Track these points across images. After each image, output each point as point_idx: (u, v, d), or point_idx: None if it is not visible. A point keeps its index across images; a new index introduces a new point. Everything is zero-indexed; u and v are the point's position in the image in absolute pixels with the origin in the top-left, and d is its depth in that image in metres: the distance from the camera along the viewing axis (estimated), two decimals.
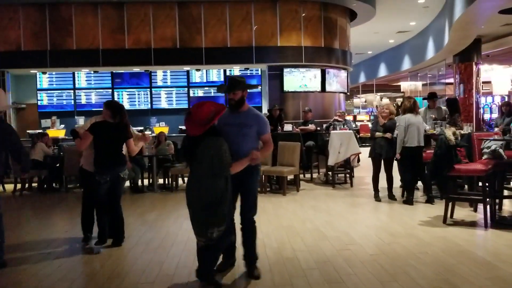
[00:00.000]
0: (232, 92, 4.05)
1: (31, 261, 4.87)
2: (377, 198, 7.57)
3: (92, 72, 12.33)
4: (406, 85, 24.89)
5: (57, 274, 4.42)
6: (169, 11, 11.12)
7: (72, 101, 12.63)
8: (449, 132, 6.08)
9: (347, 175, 9.38)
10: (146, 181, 9.65)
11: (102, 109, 5.27)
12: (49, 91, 12.58)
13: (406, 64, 18.90)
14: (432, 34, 15.19)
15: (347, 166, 9.25)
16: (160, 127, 11.41)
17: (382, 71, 21.89)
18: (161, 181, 9.85)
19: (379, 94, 29.47)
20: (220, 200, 3.77)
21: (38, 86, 12.47)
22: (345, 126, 9.75)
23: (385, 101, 28.70)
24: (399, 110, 7.88)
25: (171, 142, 9.83)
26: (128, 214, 7.29)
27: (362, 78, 25.03)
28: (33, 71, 11.90)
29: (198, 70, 12.31)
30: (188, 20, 11.15)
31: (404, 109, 7.24)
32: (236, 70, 12.45)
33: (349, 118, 19.97)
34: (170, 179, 9.40)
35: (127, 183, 9.64)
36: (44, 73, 12.19)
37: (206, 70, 12.52)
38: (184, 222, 6.44)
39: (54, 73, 12.40)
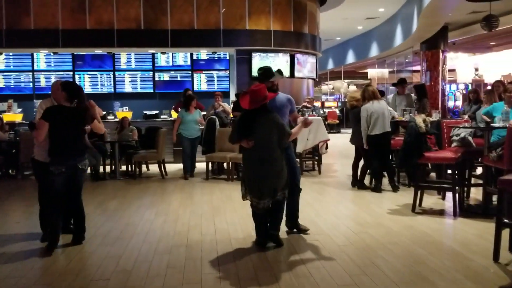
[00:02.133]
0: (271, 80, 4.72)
1: None
2: (353, 185, 7.51)
3: (51, 53, 11.69)
4: (373, 72, 25.05)
5: (3, 270, 4.08)
6: None
7: (31, 84, 12.00)
8: (419, 119, 5.99)
9: (315, 162, 9.25)
10: (108, 168, 9.26)
11: None
12: (5, 73, 11.90)
13: (374, 51, 18.92)
14: (400, 21, 15.18)
15: (315, 153, 9.12)
16: (124, 112, 10.97)
17: (350, 58, 21.88)
18: (124, 168, 9.48)
19: (346, 81, 29.58)
20: (284, 166, 4.52)
21: None
22: (314, 112, 9.60)
23: (352, 88, 28.84)
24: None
25: (135, 127, 9.45)
26: (87, 203, 6.83)
27: (330, 65, 24.99)
28: None
29: (163, 53, 11.85)
30: (153, 0, 10.67)
31: (364, 98, 7.15)
32: (203, 53, 12.08)
33: (317, 104, 19.96)
34: (133, 166, 9.02)
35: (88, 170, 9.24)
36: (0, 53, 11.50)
37: (172, 54, 12.09)
38: (146, 211, 6.16)
39: (11, 54, 11.72)
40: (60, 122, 4.58)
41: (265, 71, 4.80)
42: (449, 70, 20.39)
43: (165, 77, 12.30)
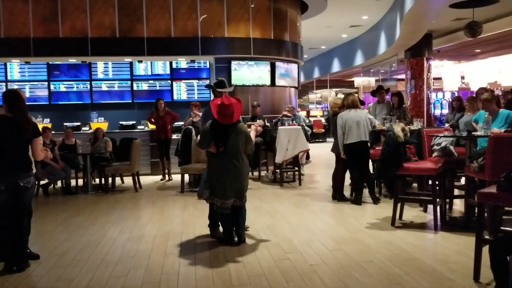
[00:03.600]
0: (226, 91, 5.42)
1: None
2: (333, 197, 7.22)
3: (25, 63, 11.29)
4: (359, 81, 24.89)
5: None
6: None
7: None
8: (397, 128, 5.72)
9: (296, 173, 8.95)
10: (81, 181, 8.87)
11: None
12: None
13: (359, 60, 18.74)
14: (384, 28, 15.01)
15: (296, 163, 8.82)
16: (98, 123, 10.59)
17: (336, 67, 21.70)
18: (98, 181, 9.09)
19: (334, 89, 29.41)
20: (247, 171, 5.14)
21: None
22: (294, 121, 9.31)
23: (340, 96, 28.64)
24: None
25: (109, 139, 9.07)
26: (50, 219, 6.61)
27: (316, 73, 24.80)
28: None
29: (140, 61, 11.51)
30: (128, 7, 10.33)
31: (343, 105, 6.91)
32: (183, 62, 11.76)
33: (302, 113, 19.70)
34: (105, 179, 8.63)
35: (59, 184, 8.85)
36: None
37: (151, 62, 11.75)
38: (110, 228, 5.80)
39: None
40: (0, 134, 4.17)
41: (221, 83, 5.52)
42: (435, 78, 20.26)
43: (144, 86, 11.93)
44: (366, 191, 7.07)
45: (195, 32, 10.54)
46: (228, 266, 4.35)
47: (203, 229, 5.59)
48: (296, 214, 6.42)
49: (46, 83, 11.60)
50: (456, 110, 8.65)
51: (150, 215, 6.63)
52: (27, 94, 11.56)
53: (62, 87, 11.69)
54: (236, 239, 5.02)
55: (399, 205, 5.76)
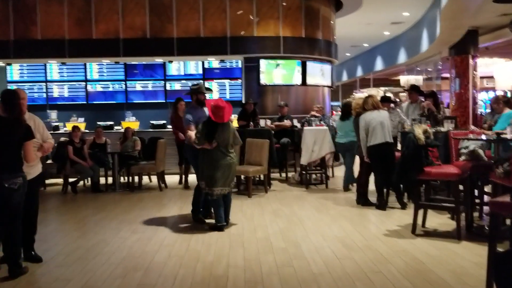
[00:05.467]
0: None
1: None
2: (357, 202, 6.94)
3: (61, 63, 11.67)
4: (405, 79, 24.01)
5: None
6: None
7: (44, 94, 12.01)
8: (418, 130, 5.37)
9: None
10: (111, 180, 9.01)
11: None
12: (20, 84, 11.95)
13: (402, 57, 18.09)
14: (426, 25, 14.38)
15: (323, 165, 8.56)
16: (129, 122, 10.76)
17: (379, 65, 21.08)
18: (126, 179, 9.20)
19: (382, 88, 28.53)
20: (235, 162, 5.86)
21: (8, 79, 11.86)
22: (322, 122, 9.05)
23: (389, 95, 27.71)
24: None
25: (138, 138, 9.17)
26: (70, 217, 6.76)
27: (359, 72, 24.21)
28: None
29: (170, 62, 11.62)
30: (159, 8, 10.45)
31: (364, 109, 6.59)
32: (215, 62, 11.75)
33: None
34: (132, 177, 8.73)
35: (88, 181, 9.02)
36: (9, 64, 11.56)
37: (184, 62, 11.83)
38: (124, 228, 5.82)
39: (25, 64, 11.78)
40: None
41: (200, 87, 6.13)
42: (487, 77, 19.22)
43: (177, 86, 12.03)
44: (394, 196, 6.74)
45: (224, 32, 10.50)
46: (228, 270, 4.22)
47: (216, 232, 5.50)
48: (313, 218, 6.20)
49: (84, 83, 11.93)
50: (496, 111, 8.08)
51: (167, 215, 6.61)
52: (66, 94, 11.97)
53: (99, 87, 11.99)
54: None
55: (421, 211, 5.43)
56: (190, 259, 4.56)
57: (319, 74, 11.40)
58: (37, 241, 4.69)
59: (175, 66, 11.93)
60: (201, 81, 10.05)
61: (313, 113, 9.40)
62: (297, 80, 10.95)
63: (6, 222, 4.10)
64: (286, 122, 9.32)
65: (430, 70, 19.25)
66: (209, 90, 6.44)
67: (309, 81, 11.06)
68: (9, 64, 11.58)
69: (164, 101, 12.02)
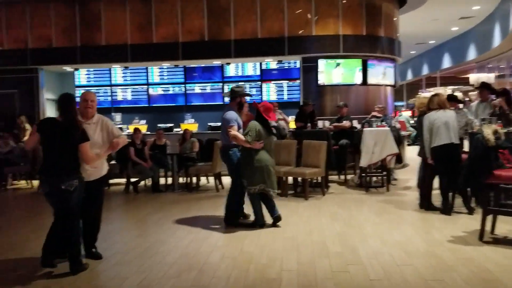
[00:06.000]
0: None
1: None
2: (421, 206, 6.61)
3: (124, 68, 12.12)
4: (475, 77, 22.70)
5: None
6: (197, 2, 10.61)
7: (109, 98, 12.52)
8: (488, 130, 4.99)
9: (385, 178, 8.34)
10: (170, 180, 9.19)
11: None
12: (87, 88, 12.52)
13: (472, 54, 17.12)
14: (498, 19, 13.51)
15: (384, 167, 8.24)
16: (187, 124, 10.95)
17: (446, 62, 20.09)
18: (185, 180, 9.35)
19: (450, 87, 27.18)
20: None
21: (76, 83, 12.47)
22: (383, 122, 8.71)
23: (458, 94, 26.38)
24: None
25: (196, 140, 9.31)
26: (131, 216, 6.98)
27: (425, 70, 23.20)
28: (65, 67, 11.86)
29: (228, 64, 11.72)
30: (216, 11, 10.58)
31: (430, 106, 6.23)
32: (272, 63, 11.71)
33: (407, 113, 18.54)
34: (190, 178, 8.85)
35: (148, 182, 9.23)
36: (76, 69, 12.15)
37: (242, 64, 11.89)
38: (180, 228, 5.89)
39: (92, 69, 12.34)
40: (49, 137, 4.23)
41: (243, 90, 6.20)
42: None
43: None
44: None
45: (282, 32, 10.42)
46: (281, 274, 4.12)
47: (268, 234, 5.42)
48: (373, 223, 5.95)
49: (146, 86, 12.31)
50: None
51: (222, 216, 6.59)
52: (129, 97, 12.40)
53: (160, 90, 12.32)
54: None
55: (490, 217, 5.05)
56: (243, 261, 4.51)
57: (381, 73, 11.02)
58: (98, 238, 4.84)
59: (233, 68, 12.01)
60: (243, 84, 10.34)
61: (374, 113, 9.08)
62: (358, 79, 10.64)
63: (65, 221, 4.24)
64: (345, 123, 9.07)
65: (503, 67, 18.06)
66: (249, 95, 6.52)
67: (370, 80, 10.72)
68: (77, 69, 12.16)
69: (222, 103, 12.09)
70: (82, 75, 12.46)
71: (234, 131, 5.67)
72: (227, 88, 12.08)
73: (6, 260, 4.77)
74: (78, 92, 12.32)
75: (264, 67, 11.83)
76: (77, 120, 4.26)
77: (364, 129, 8.32)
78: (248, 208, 6.04)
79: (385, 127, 8.44)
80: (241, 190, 5.86)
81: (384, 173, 8.26)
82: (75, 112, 4.27)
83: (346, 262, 4.40)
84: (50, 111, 11.66)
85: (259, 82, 11.93)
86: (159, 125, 10.95)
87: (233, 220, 5.96)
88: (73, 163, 4.23)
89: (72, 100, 4.32)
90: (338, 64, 10.57)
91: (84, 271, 4.30)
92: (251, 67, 11.91)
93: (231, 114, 5.82)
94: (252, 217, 5.92)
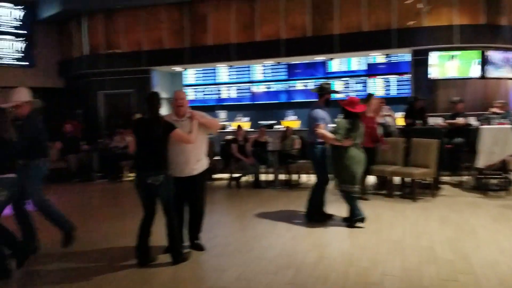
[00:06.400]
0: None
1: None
2: None
3: (229, 67, 12.44)
4: None
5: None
6: None
7: (215, 96, 12.91)
8: None
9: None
10: (271, 176, 9.20)
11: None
12: (194, 87, 13.07)
13: None
14: None
15: (504, 169, 7.43)
16: (289, 121, 10.89)
17: None
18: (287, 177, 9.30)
19: None
20: None
21: (184, 82, 13.05)
22: (506, 119, 7.86)
23: None
24: None
25: (297, 137, 9.20)
26: (233, 210, 7.15)
27: None
28: (174, 68, 12.44)
29: (331, 59, 11.45)
30: (320, 6, 10.36)
31: None
32: (379, 57, 11.20)
33: None
34: (290, 175, 8.78)
35: (250, 177, 9.32)
36: (184, 69, 12.70)
37: (346, 59, 11.54)
38: (279, 224, 5.83)
39: (200, 69, 12.82)
40: (140, 135, 4.41)
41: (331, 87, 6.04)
42: None
43: (338, 84, 11.78)
44: None
45: (389, 24, 9.91)
46: (383, 279, 3.86)
47: (371, 236, 5.15)
48: (489, 229, 5.36)
49: (249, 84, 12.50)
50: None
51: None
52: (233, 95, 12.69)
53: (262, 88, 12.43)
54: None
55: None
56: (342, 263, 4.31)
57: (503, 65, 9.98)
58: (202, 230, 4.95)
59: (337, 63, 11.70)
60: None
61: (493, 109, 8.25)
62: (475, 72, 9.74)
63: (165, 213, 4.42)
64: (460, 120, 8.35)
65: None
66: (338, 92, 6.52)
67: (490, 73, 9.75)
68: (185, 69, 12.74)
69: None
70: (190, 75, 13.01)
71: (321, 130, 5.56)
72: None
73: (117, 248, 5.07)
74: (186, 92, 12.93)
75: (370, 61, 11.37)
76: (159, 116, 4.38)
77: (482, 126, 7.58)
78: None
79: (507, 124, 7.63)
80: (324, 187, 5.86)
81: (505, 175, 7.45)
82: (156, 109, 4.40)
83: (456, 270, 4.00)
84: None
85: (365, 77, 11.49)
86: (260, 122, 11.03)
87: (316, 217, 5.90)
88: (160, 159, 4.35)
89: (154, 98, 4.48)
90: (452, 57, 9.78)
91: (185, 262, 4.43)
92: (356, 61, 11.52)
93: (319, 112, 5.72)
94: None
